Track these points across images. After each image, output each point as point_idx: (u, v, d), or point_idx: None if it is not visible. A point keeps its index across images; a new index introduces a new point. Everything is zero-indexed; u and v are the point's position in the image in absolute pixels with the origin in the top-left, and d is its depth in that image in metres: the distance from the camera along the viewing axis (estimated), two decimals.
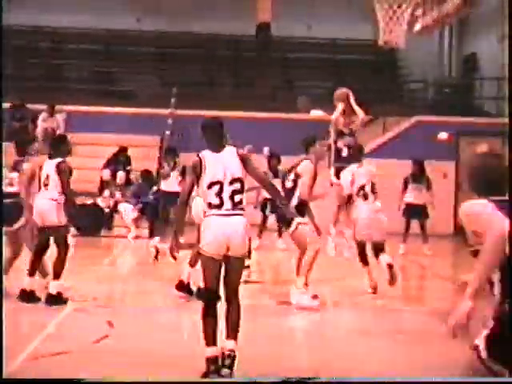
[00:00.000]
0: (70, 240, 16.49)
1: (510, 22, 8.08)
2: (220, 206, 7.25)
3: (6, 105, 22.03)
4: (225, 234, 7.16)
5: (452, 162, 21.82)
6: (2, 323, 6.42)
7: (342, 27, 29.12)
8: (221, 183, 7.31)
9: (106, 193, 19.58)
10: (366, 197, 11.17)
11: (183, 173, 17.31)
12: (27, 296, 10.35)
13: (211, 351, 7.19)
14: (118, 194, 19.45)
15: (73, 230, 17.63)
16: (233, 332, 7.30)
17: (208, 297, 7.27)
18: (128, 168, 20.19)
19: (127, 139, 21.04)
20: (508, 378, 5.54)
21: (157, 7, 29.41)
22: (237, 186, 7.32)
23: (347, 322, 10.47)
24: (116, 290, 12.75)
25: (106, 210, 19.03)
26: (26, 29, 28.48)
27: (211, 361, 7.17)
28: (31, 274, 10.52)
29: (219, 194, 7.27)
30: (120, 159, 20.35)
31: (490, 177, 5.57)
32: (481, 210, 5.22)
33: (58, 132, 21.41)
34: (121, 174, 19.79)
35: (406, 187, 17.17)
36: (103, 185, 19.82)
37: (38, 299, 10.35)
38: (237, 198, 7.27)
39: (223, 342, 7.21)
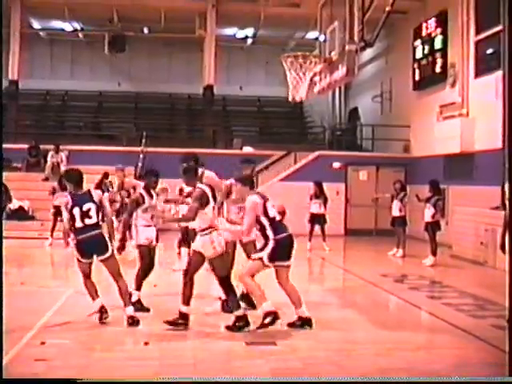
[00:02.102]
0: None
1: (509, 23, 8.19)
2: None
3: (25, 145, 21.98)
4: None
5: (342, 184, 22.04)
6: (1, 323, 5.47)
7: (265, 88, 29.57)
8: None
9: None
10: None
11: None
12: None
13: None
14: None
15: None
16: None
17: None
18: (111, 190, 20.08)
19: (112, 169, 20.92)
20: (508, 377, 5.48)
21: (132, 75, 29.54)
22: None
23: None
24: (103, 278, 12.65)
25: None
26: (40, 91, 28.40)
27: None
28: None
29: None
30: (106, 183, 20.20)
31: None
32: None
33: (61, 165, 21.26)
34: (106, 195, 19.63)
35: (311, 201, 17.24)
36: None
37: (147, 309, 8.78)
38: None
39: None
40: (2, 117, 5.81)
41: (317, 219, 17.12)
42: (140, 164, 21.23)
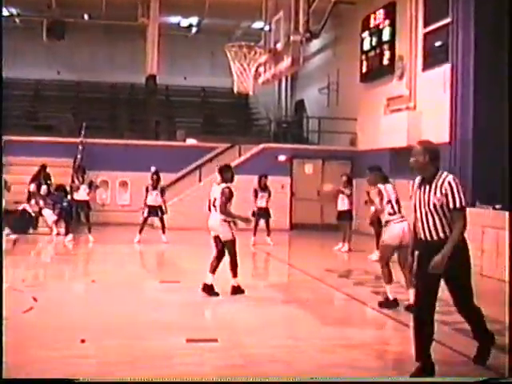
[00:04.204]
0: (4, 237, 16.26)
1: (510, 24, 8.19)
2: None
3: None
4: None
5: (288, 177, 22.11)
6: (1, 324, 5.62)
7: (209, 78, 29.42)
8: None
9: (33, 201, 19.06)
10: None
11: (90, 186, 17.20)
12: (208, 288, 9.68)
13: None
14: (41, 202, 18.96)
15: (8, 229, 17.27)
16: None
17: None
18: (49, 182, 19.71)
19: (49, 161, 20.54)
20: (508, 378, 5.59)
21: (72, 63, 29.08)
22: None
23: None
24: (40, 274, 12.47)
25: (33, 215, 18.54)
26: None
27: None
28: (213, 271, 9.77)
29: None
30: (43, 175, 19.83)
31: None
32: None
33: None
34: (44, 187, 19.30)
35: (255, 195, 17.17)
36: (30, 195, 19.27)
37: (217, 294, 9.66)
38: None
39: None
40: (1, 108, 5.70)
41: (262, 213, 17.08)
42: (79, 156, 20.91)
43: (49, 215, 18.50)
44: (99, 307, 8.79)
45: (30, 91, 29.03)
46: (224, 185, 9.75)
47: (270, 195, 17.19)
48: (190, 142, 24.05)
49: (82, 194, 17.02)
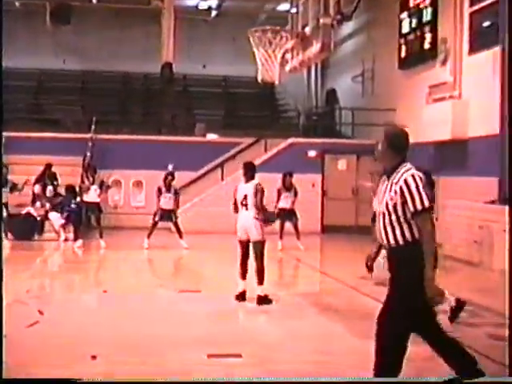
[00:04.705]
0: (6, 244, 16.46)
1: (509, 26, 8.18)
2: None
3: None
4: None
5: (319, 175, 22.09)
6: (2, 323, 5.80)
7: (231, 66, 29.42)
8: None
9: (38, 204, 19.25)
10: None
11: (101, 186, 17.29)
12: (241, 296, 10.07)
13: None
14: (47, 205, 19.14)
15: (9, 235, 17.46)
16: None
17: None
18: (55, 183, 19.89)
19: (55, 159, 20.70)
20: (508, 378, 5.67)
21: (79, 51, 29.21)
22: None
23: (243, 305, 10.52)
24: (46, 284, 12.59)
25: (38, 218, 18.71)
26: None
27: None
28: (243, 277, 10.20)
29: None
30: (49, 175, 20.00)
31: None
32: None
33: None
34: (50, 188, 19.48)
35: (279, 195, 17.16)
36: (35, 197, 19.46)
37: (270, 300, 10.00)
38: None
39: None
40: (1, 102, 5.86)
41: (287, 215, 17.05)
42: (89, 153, 21.07)
43: (56, 219, 18.63)
44: (111, 320, 8.85)
45: (33, 82, 29.18)
46: (256, 181, 10.26)
47: (296, 195, 17.17)
48: (211, 137, 24.11)
49: (92, 196, 17.14)
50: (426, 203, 5.30)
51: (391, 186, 5.39)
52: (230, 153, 23.01)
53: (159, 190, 17.20)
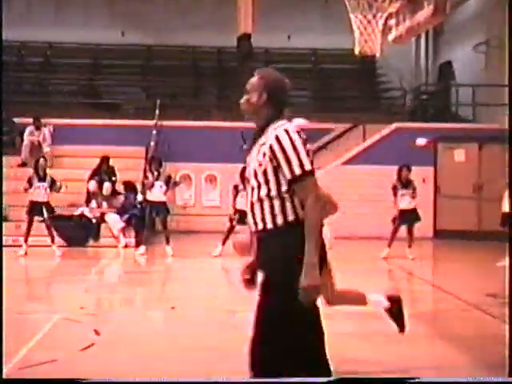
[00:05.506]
0: (59, 251, 16.68)
1: (509, 23, 7.99)
2: None
3: None
4: None
5: (430, 167, 21.79)
6: (2, 323, 6.12)
7: (321, 37, 29.20)
8: None
9: (93, 204, 19.46)
10: None
11: (168, 182, 17.29)
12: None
13: None
14: (104, 205, 19.34)
15: (60, 241, 17.68)
16: None
17: None
18: (113, 179, 20.05)
19: (113, 151, 20.91)
20: (508, 378, 5.70)
21: (141, 21, 29.42)
22: None
23: (335, 325, 10.33)
24: (103, 299, 12.64)
25: (93, 221, 18.89)
26: (12, 44, 28.31)
27: None
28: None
29: None
30: (106, 170, 20.19)
31: None
32: None
33: (44, 145, 21.26)
34: (107, 185, 19.68)
35: (395, 194, 17.09)
36: (90, 196, 19.67)
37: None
38: None
39: None
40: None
41: (408, 217, 17.08)
42: (153, 143, 21.22)
43: (114, 222, 18.79)
44: (181, 342, 8.77)
45: (87, 59, 29.63)
46: None
47: (414, 191, 17.14)
48: (298, 122, 23.96)
49: (157, 194, 17.18)
50: (307, 166, 4.64)
51: (260, 147, 4.79)
52: (321, 141, 22.90)
53: (236, 188, 17.12)
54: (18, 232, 17.67)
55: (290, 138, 4.66)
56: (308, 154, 4.67)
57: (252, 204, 4.85)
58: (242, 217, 17.02)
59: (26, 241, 16.78)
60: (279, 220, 4.68)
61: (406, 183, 17.15)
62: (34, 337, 8.95)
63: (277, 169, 4.64)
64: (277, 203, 4.69)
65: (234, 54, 26.78)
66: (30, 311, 10.93)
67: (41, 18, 28.99)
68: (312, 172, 4.66)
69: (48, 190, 16.85)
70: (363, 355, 8.47)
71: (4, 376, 6.03)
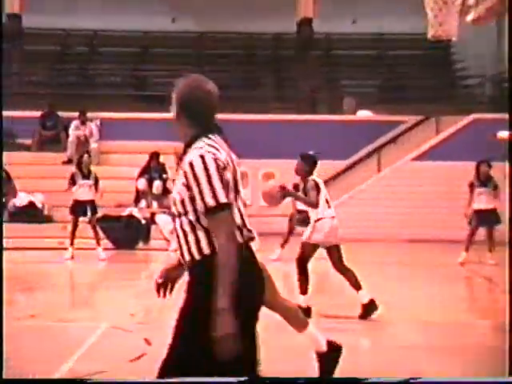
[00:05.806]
0: (103, 254, 16.75)
1: (509, 22, 7.90)
2: None
3: (35, 113, 22.14)
4: None
5: None
6: (2, 323, 6.29)
7: (389, 20, 28.94)
8: None
9: (143, 203, 19.50)
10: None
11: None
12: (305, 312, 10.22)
13: None
14: (155, 205, 19.38)
15: (108, 243, 17.76)
16: None
17: None
18: (164, 176, 20.05)
19: (164, 146, 20.91)
20: (508, 378, 5.85)
21: (193, 7, 29.44)
22: None
23: (409, 336, 10.21)
24: (154, 306, 12.63)
25: (143, 222, 18.94)
26: (55, 32, 28.57)
27: None
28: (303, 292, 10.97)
29: None
30: (156, 167, 20.23)
31: None
32: None
33: (91, 141, 21.35)
34: (157, 184, 19.69)
35: (471, 191, 16.91)
36: (139, 195, 19.72)
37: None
38: None
39: None
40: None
41: (485, 218, 16.92)
42: None
43: (165, 223, 18.77)
44: None
45: (135, 48, 29.73)
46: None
47: (495, 189, 16.97)
48: (363, 114, 23.92)
49: None
50: (221, 198, 4.38)
51: (179, 173, 4.56)
52: (389, 135, 22.74)
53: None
54: (64, 234, 17.81)
55: (205, 166, 4.40)
56: (225, 185, 4.43)
57: (178, 234, 4.62)
58: (301, 217, 17.00)
59: (71, 243, 16.89)
60: (202, 250, 4.52)
61: (485, 180, 16.99)
62: (81, 347, 8.99)
63: (192, 198, 4.43)
64: (199, 233, 4.51)
65: (292, 40, 26.71)
66: (75, 319, 10.99)
67: (85, 4, 29.13)
68: (227, 205, 4.43)
69: (93, 187, 16.94)
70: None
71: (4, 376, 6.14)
